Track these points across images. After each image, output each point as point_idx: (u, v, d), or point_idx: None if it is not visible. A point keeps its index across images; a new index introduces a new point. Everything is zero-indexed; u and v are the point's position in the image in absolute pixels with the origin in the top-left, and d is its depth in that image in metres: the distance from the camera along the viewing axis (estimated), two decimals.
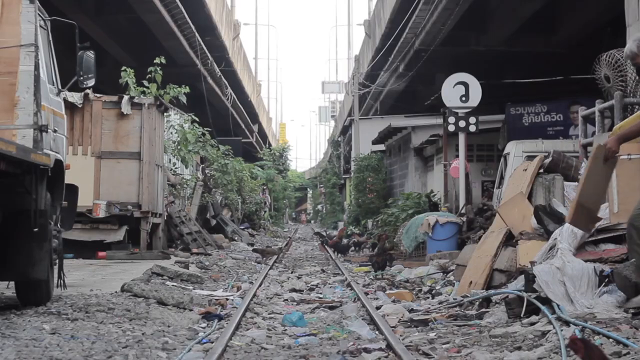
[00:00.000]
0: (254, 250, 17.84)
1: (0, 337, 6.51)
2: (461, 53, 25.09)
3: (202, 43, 31.05)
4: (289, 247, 20.31)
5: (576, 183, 11.18)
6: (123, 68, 20.60)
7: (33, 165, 7.92)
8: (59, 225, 9.42)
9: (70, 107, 15.94)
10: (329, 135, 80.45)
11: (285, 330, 8.19)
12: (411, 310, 9.12)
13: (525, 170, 11.42)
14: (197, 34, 29.74)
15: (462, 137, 17.63)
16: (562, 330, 6.41)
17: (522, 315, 7.43)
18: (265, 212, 44.31)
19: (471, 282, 9.71)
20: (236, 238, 26.61)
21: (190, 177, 25.51)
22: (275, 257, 17.79)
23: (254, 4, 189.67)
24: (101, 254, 16.39)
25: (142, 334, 7.13)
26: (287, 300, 10.97)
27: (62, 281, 9.22)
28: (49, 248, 8.33)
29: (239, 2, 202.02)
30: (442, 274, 12.35)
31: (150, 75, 20.80)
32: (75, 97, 16.71)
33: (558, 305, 7.11)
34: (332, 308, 9.87)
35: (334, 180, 56.40)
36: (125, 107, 17.25)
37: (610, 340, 5.97)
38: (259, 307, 9.76)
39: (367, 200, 32.34)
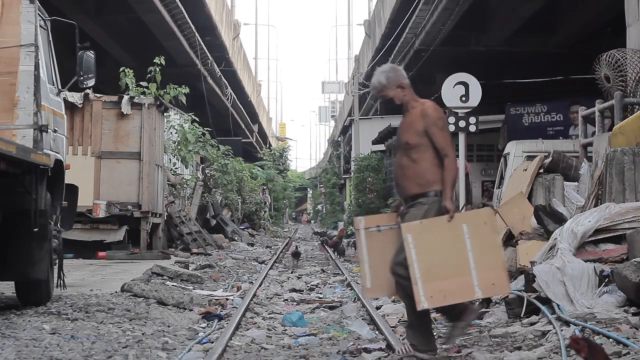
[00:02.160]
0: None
1: (0, 337, 6.51)
2: (461, 53, 25.09)
3: (202, 43, 31.05)
4: (289, 247, 20.36)
5: (576, 183, 11.20)
6: (122, 69, 20.59)
7: (33, 165, 7.92)
8: (59, 225, 9.41)
9: (70, 107, 15.93)
10: (329, 135, 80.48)
11: (285, 330, 8.19)
12: None
13: (525, 170, 11.43)
14: (197, 34, 29.73)
15: (462, 137, 17.59)
16: (562, 330, 6.41)
17: (522, 315, 7.43)
18: (265, 212, 44.30)
19: None
20: (236, 238, 26.62)
21: (190, 177, 25.52)
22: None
23: (254, 4, 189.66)
24: (101, 254, 16.39)
25: (142, 334, 7.13)
26: (287, 300, 10.97)
27: (62, 281, 9.22)
28: (49, 248, 8.33)
29: (239, 2, 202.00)
30: None
31: (150, 75, 20.80)
32: (75, 97, 16.71)
33: (558, 305, 7.11)
34: (332, 308, 9.87)
35: (334, 180, 56.39)
36: (125, 107, 17.25)
37: (610, 340, 5.97)
38: (259, 307, 9.76)
39: (367, 200, 32.31)
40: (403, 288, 6.01)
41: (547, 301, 7.28)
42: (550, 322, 6.78)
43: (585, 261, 7.66)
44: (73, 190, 9.96)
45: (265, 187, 47.21)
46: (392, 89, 6.20)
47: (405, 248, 5.83)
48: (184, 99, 21.90)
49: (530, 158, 13.74)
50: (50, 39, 9.37)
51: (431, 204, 5.97)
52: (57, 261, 9.05)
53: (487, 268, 5.83)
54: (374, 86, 6.27)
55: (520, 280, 8.38)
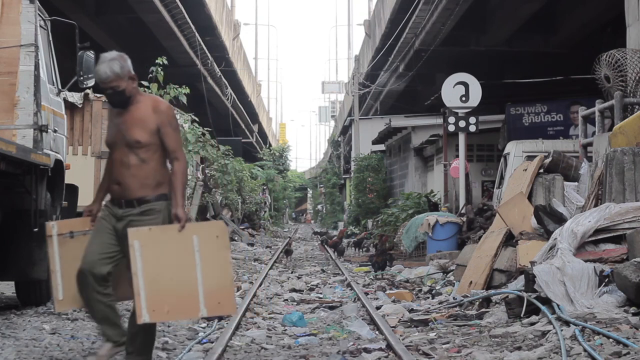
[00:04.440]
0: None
1: (0, 337, 6.51)
2: (461, 53, 25.08)
3: (202, 43, 31.05)
4: (289, 246, 20.51)
5: (576, 183, 11.22)
6: None
7: (33, 165, 7.93)
8: None
9: (70, 107, 15.91)
10: (329, 135, 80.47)
11: (285, 330, 8.19)
12: (411, 310, 9.12)
13: (525, 170, 11.43)
14: (197, 34, 29.73)
15: (462, 137, 17.64)
16: (562, 330, 6.41)
17: (522, 315, 7.43)
18: (265, 212, 44.30)
19: (471, 282, 9.72)
20: (236, 238, 26.60)
21: (190, 177, 25.51)
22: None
23: (254, 4, 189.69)
24: None
25: None
26: (287, 300, 10.97)
27: None
28: None
29: (239, 2, 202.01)
30: (442, 274, 12.35)
31: (151, 75, 20.79)
32: (75, 97, 16.69)
33: (558, 305, 7.11)
34: (332, 308, 9.87)
35: (334, 180, 56.41)
36: None
37: (610, 340, 5.97)
38: (259, 307, 9.76)
39: (367, 200, 32.34)
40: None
41: (547, 301, 7.28)
42: (550, 322, 6.78)
43: (585, 261, 7.67)
44: (73, 190, 9.97)
45: (265, 187, 47.20)
46: (125, 80, 5.55)
47: (130, 255, 5.34)
48: (184, 99, 21.88)
49: (530, 158, 13.74)
50: (50, 39, 9.37)
51: (164, 210, 5.51)
52: None
53: (214, 285, 5.38)
54: (107, 76, 5.51)
55: (520, 280, 8.38)
